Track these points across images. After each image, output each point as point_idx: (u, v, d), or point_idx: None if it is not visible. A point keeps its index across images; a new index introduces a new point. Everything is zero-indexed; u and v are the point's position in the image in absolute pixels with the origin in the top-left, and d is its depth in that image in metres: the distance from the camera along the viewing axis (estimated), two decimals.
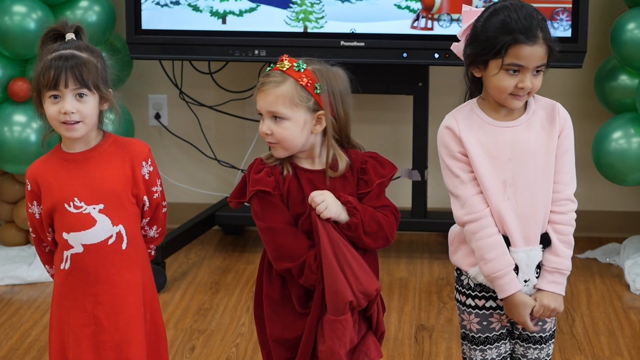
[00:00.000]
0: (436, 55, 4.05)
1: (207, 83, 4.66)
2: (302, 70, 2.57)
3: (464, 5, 2.66)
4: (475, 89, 2.60)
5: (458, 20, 4.07)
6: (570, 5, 3.99)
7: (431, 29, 4.08)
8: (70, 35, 2.60)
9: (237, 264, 4.37)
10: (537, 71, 2.49)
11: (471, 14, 2.55)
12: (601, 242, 4.58)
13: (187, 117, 4.73)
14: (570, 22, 4.00)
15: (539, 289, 2.56)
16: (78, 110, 2.52)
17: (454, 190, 2.55)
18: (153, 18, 4.18)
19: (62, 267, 2.60)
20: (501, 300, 2.56)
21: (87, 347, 2.58)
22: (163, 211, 2.70)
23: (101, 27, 4.25)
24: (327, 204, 2.54)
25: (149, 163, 2.63)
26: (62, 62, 2.52)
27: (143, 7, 4.17)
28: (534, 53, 2.46)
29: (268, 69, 2.59)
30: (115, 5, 4.38)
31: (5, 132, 4.10)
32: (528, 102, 2.57)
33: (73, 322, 2.60)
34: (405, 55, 4.06)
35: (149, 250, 2.71)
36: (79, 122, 2.53)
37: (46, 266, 2.72)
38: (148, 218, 2.67)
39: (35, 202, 2.62)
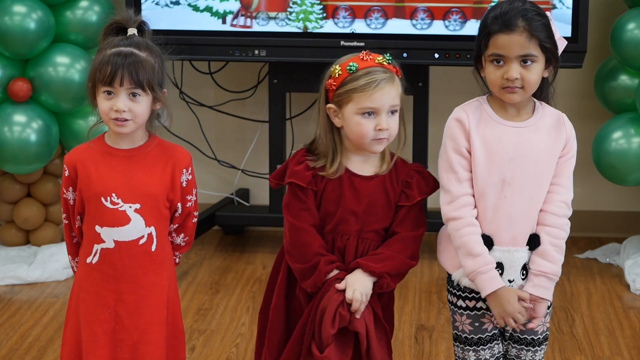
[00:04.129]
0: (436, 55, 4.05)
1: (207, 83, 4.66)
2: (393, 63, 2.61)
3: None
4: (487, 88, 2.58)
5: (275, 18, 4.10)
6: (570, 6, 3.99)
7: (250, 27, 4.12)
8: (132, 30, 2.60)
9: (237, 264, 4.37)
10: (525, 62, 2.46)
11: None
12: (601, 242, 4.58)
13: (187, 117, 4.73)
14: (570, 22, 3.99)
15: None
16: (130, 109, 2.51)
17: (447, 185, 2.54)
18: (153, 18, 4.17)
19: (88, 260, 2.58)
20: (486, 298, 2.53)
21: (103, 343, 2.56)
22: (193, 221, 2.68)
23: (101, 27, 4.20)
24: (360, 298, 2.54)
25: (189, 171, 2.63)
26: (120, 60, 2.51)
27: (143, 7, 4.17)
28: (511, 41, 2.44)
29: (353, 65, 2.59)
30: (115, 5, 4.38)
31: (5, 132, 4.10)
32: (536, 107, 2.57)
33: (92, 317, 2.57)
34: (405, 55, 4.05)
35: (174, 258, 2.70)
36: (129, 119, 2.52)
37: (69, 256, 2.69)
38: (177, 225, 2.65)
39: (71, 187, 2.59)
